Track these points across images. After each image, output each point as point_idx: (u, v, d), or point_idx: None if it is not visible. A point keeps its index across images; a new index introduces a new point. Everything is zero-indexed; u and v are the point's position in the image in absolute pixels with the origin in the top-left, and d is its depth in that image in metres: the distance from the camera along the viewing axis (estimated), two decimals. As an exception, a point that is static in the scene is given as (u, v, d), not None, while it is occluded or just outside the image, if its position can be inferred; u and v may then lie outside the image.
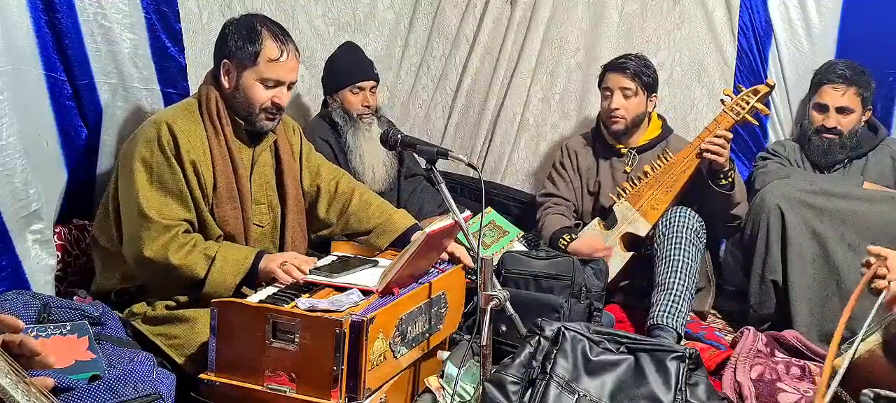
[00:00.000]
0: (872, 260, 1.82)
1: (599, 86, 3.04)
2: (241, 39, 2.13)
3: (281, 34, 2.16)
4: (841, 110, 2.92)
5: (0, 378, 0.93)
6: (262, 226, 2.26)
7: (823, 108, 2.94)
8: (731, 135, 2.76)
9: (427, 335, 2.05)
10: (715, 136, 2.74)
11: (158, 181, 2.04)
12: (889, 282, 1.75)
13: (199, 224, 2.11)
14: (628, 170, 3.00)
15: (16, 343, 1.01)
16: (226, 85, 2.16)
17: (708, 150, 2.73)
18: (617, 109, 2.94)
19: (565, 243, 2.86)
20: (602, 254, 2.77)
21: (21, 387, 0.93)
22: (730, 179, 2.76)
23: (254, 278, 2.03)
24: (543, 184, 3.24)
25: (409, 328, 1.94)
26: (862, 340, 1.70)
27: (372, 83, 3.01)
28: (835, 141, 2.93)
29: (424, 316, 2.02)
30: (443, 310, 2.12)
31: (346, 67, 3.00)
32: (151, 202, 2.02)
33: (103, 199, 2.21)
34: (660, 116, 3.09)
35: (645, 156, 3.00)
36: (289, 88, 2.20)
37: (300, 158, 2.40)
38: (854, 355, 1.66)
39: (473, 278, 2.34)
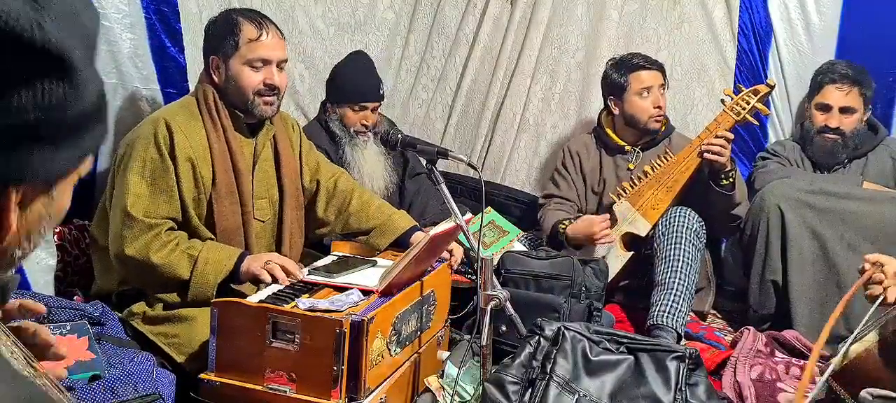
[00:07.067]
0: (867, 266, 1.81)
1: (622, 87, 2.96)
2: (221, 32, 2.17)
3: (258, 17, 2.20)
4: (844, 110, 2.91)
5: (12, 364, 0.92)
6: (264, 221, 2.27)
7: (826, 108, 2.94)
8: (732, 136, 2.75)
9: (418, 333, 2.05)
10: (715, 137, 2.74)
11: (151, 177, 2.05)
12: (886, 288, 1.75)
13: (188, 226, 2.10)
14: (631, 167, 3.00)
15: (30, 332, 1.02)
16: (217, 80, 2.18)
17: (709, 151, 2.73)
18: (661, 108, 2.94)
19: (564, 227, 2.86)
20: (600, 237, 2.76)
21: (36, 378, 0.93)
22: (731, 179, 2.76)
23: (236, 278, 2.03)
24: (545, 186, 3.23)
25: (404, 327, 1.94)
26: (859, 339, 1.70)
27: (376, 104, 2.89)
28: (838, 141, 2.93)
29: (416, 315, 2.02)
30: (432, 308, 2.13)
31: (353, 86, 2.86)
32: (139, 199, 2.02)
33: (102, 199, 2.21)
34: None
35: (648, 154, 3.00)
36: (280, 68, 2.20)
37: (300, 155, 2.41)
38: (846, 355, 1.66)
39: (473, 278, 2.34)
